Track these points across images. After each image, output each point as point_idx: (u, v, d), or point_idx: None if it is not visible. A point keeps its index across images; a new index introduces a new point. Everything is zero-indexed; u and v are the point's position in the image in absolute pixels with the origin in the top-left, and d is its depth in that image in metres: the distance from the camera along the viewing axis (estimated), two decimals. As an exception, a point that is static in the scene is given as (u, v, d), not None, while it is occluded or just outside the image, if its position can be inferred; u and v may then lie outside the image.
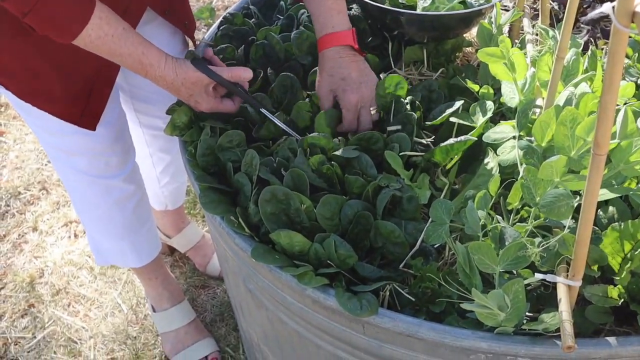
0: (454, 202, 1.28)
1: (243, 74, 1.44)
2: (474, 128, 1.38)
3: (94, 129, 1.63)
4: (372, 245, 1.26)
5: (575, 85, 1.20)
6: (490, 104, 1.41)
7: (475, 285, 1.12)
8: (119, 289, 2.28)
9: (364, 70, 1.48)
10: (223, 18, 1.78)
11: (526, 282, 1.08)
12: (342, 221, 1.26)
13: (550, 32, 1.35)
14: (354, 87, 1.45)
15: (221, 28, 1.76)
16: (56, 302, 2.26)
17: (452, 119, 1.42)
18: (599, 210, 1.16)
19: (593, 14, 1.74)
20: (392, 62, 1.69)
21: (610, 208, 1.16)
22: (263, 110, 1.45)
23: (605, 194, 1.04)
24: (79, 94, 1.57)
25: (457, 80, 1.55)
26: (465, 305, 1.01)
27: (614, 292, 1.07)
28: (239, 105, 1.48)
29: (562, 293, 1.03)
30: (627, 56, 1.48)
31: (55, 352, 2.11)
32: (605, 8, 0.75)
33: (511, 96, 1.37)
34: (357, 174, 1.34)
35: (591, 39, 1.63)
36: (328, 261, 1.20)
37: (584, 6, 1.79)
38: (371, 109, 1.47)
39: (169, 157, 2.02)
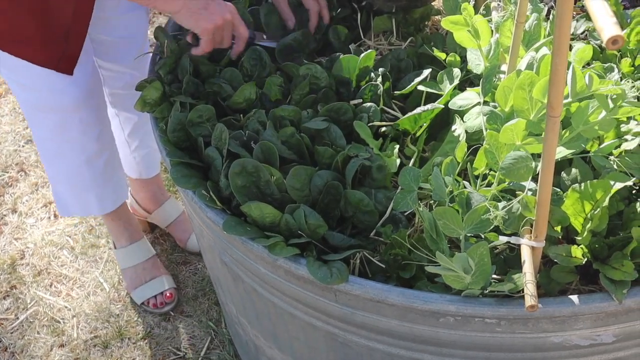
0: (422, 169, 1.30)
1: None
2: (442, 95, 1.39)
3: (72, 73, 1.67)
4: (342, 214, 1.28)
5: (537, 50, 1.22)
6: (457, 72, 1.42)
7: (442, 250, 1.14)
8: (100, 268, 2.29)
9: None
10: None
11: (492, 245, 1.10)
12: (312, 192, 1.28)
13: (513, -2, 1.36)
14: None
15: None
16: (38, 282, 2.27)
17: (420, 88, 1.43)
18: (562, 172, 1.19)
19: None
20: (361, 32, 1.69)
21: (573, 170, 1.18)
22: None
23: (562, 151, 1.06)
24: (56, 38, 1.61)
25: (425, 49, 1.56)
26: (430, 268, 1.03)
27: (577, 251, 1.10)
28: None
29: (525, 255, 1.06)
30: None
31: (38, 332, 2.13)
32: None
33: (477, 63, 1.38)
34: (327, 144, 1.35)
35: (553, 4, 1.64)
36: (299, 231, 1.22)
37: (551, -29, 1.80)
38: None
39: (136, 117, 2.05)
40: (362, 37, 1.69)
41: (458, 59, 1.47)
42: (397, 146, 1.36)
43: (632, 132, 1.20)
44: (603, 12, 0.69)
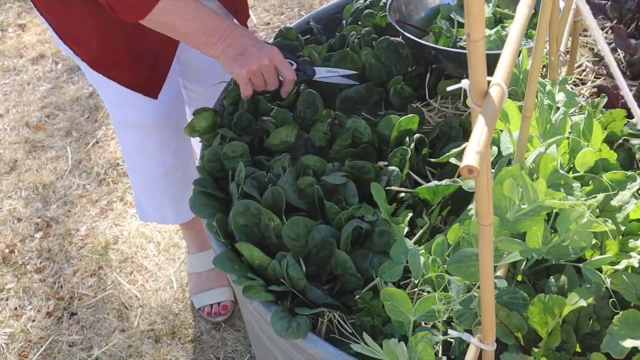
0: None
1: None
2: (470, 172, 1.37)
3: (156, 97, 1.81)
4: (333, 272, 1.30)
5: (548, 146, 1.17)
6: (494, 149, 1.39)
7: (406, 329, 1.13)
8: (175, 267, 2.46)
9: None
10: (279, 31, 1.86)
11: (444, 338, 1.08)
12: (309, 243, 1.31)
13: (547, 87, 1.31)
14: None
15: (275, 40, 1.84)
16: (121, 268, 2.48)
17: (452, 160, 1.42)
18: (551, 277, 1.13)
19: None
20: (427, 93, 1.69)
21: (562, 277, 1.12)
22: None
23: (515, 256, 1.02)
24: (144, 64, 1.76)
25: (479, 120, 1.53)
26: (354, 346, 1.03)
27: (534, 363, 1.05)
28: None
29: (469, 355, 1.02)
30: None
31: (107, 314, 2.32)
32: (463, 83, 0.76)
33: (507, 146, 1.34)
34: (340, 200, 1.38)
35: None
36: (282, 279, 1.26)
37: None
38: None
39: None
40: (427, 98, 1.69)
41: (502, 136, 1.43)
42: (410, 214, 1.36)
43: (638, 249, 1.12)
44: (475, 140, 0.68)
